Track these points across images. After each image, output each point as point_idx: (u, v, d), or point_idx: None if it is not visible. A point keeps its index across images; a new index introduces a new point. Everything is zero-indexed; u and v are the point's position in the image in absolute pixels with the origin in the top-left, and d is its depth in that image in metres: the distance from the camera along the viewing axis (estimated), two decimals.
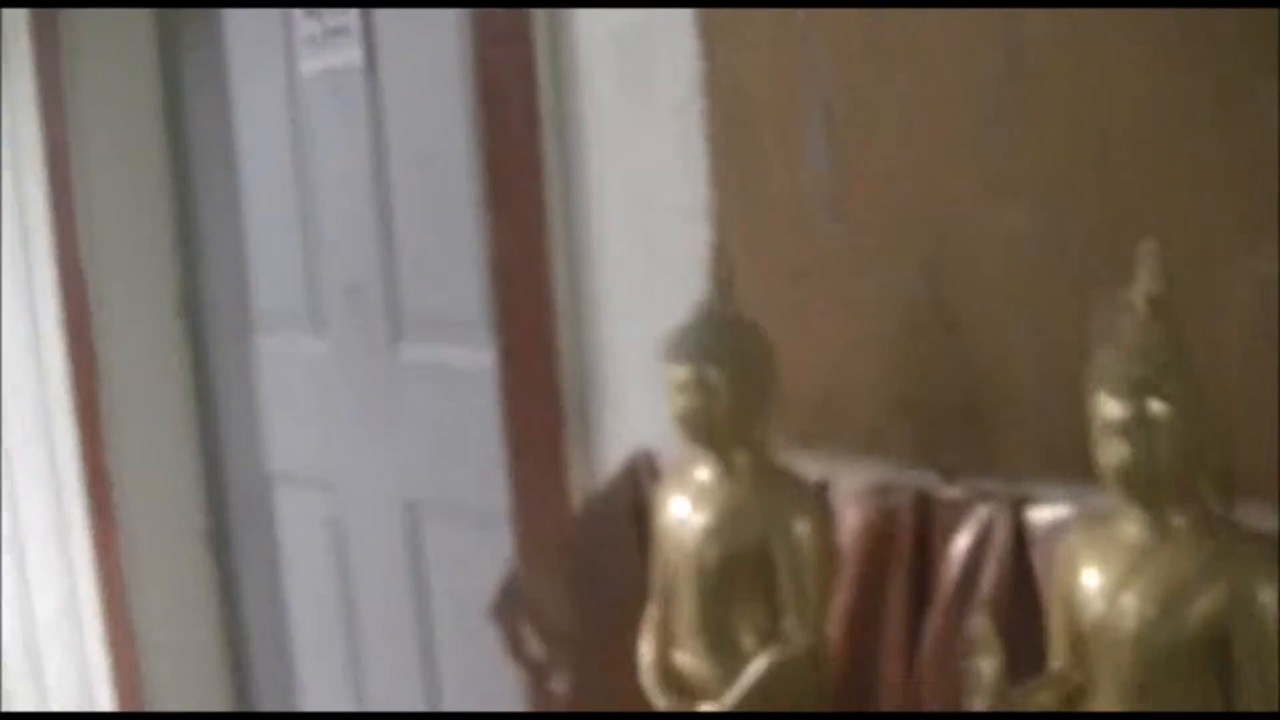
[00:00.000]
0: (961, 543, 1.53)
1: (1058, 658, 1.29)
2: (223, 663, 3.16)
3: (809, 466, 1.57)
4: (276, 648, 3.01)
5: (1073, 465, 1.42)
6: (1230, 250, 1.30)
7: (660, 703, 1.55)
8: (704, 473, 1.51)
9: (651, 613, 1.59)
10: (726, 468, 1.50)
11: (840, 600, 1.57)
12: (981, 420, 1.52)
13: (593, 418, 1.98)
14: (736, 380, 1.47)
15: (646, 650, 1.57)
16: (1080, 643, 1.24)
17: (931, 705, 1.55)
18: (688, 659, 1.53)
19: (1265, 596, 1.14)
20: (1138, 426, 1.15)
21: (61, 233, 3.04)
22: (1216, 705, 1.18)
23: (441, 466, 2.48)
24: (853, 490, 1.62)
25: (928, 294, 1.55)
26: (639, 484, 1.84)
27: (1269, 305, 1.29)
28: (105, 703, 3.20)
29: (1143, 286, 1.19)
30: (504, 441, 2.08)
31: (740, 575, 1.48)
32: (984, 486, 1.53)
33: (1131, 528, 1.20)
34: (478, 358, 2.29)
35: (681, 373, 1.48)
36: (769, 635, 1.49)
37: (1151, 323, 1.18)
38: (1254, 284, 1.29)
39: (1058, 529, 1.42)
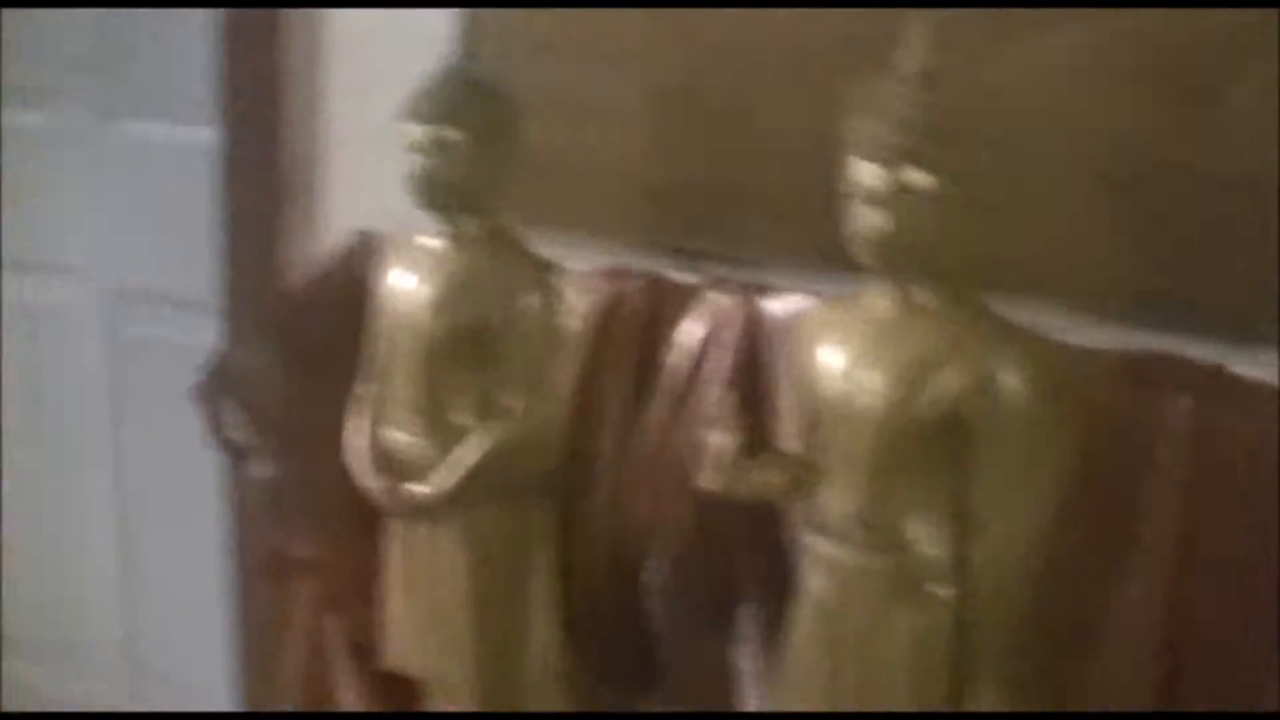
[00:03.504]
0: (692, 330, 1.48)
1: (791, 440, 1.25)
2: None
3: (544, 248, 1.49)
4: None
5: (816, 254, 1.39)
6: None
7: (370, 483, 1.47)
8: (434, 243, 1.43)
9: (363, 390, 1.51)
10: (458, 237, 1.42)
11: (566, 383, 1.51)
12: (727, 207, 1.47)
13: (318, 199, 1.87)
14: (477, 143, 1.39)
15: (355, 429, 1.50)
16: (816, 423, 1.21)
17: (646, 494, 1.50)
18: (401, 437, 1.45)
19: (1008, 378, 1.11)
20: (895, 196, 1.10)
21: None
22: (947, 489, 1.15)
23: (150, 250, 2.34)
24: (584, 273, 1.55)
25: (684, 78, 1.49)
26: (356, 265, 1.74)
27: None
28: None
29: (915, 57, 1.13)
30: (221, 222, 1.96)
31: (464, 350, 1.41)
32: (722, 274, 1.48)
33: (879, 303, 1.16)
34: (195, 136, 2.15)
35: (419, 132, 1.39)
36: (486, 413, 1.42)
37: (920, 94, 1.13)
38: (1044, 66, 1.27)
39: (794, 320, 1.38)
